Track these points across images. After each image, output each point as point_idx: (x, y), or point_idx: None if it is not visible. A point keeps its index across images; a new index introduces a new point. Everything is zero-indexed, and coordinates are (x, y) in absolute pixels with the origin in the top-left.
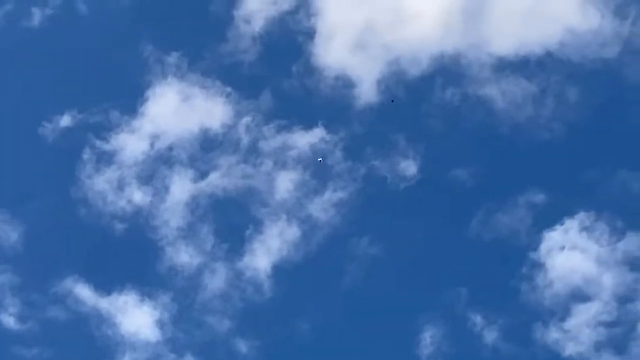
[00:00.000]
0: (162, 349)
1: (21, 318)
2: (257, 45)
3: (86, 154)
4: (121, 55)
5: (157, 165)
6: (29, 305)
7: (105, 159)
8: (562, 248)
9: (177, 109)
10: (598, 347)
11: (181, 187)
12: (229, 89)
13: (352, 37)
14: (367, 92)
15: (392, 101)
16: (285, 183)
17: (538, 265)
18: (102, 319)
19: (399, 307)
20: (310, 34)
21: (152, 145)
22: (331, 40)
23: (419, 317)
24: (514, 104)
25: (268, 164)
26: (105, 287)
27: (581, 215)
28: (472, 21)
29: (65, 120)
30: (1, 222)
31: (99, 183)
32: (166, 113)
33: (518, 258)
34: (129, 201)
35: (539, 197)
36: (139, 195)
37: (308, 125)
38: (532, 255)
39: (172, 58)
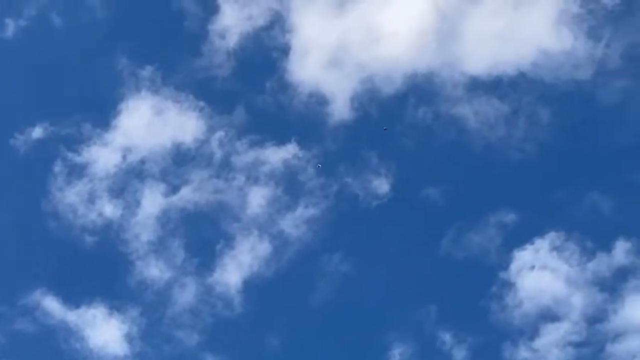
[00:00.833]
0: None
1: None
2: (231, 60)
3: (57, 166)
4: (95, 67)
5: (129, 178)
6: None
7: (77, 171)
8: (532, 268)
9: (150, 122)
10: None
11: (152, 201)
12: (202, 104)
13: (326, 54)
14: (340, 109)
15: (385, 129)
16: (257, 198)
17: (508, 285)
18: (70, 332)
19: (368, 324)
20: (285, 51)
21: (124, 158)
22: (305, 57)
23: (389, 335)
24: (486, 124)
25: (240, 179)
26: (73, 300)
27: (551, 235)
28: (446, 41)
29: (37, 132)
30: None
31: (70, 196)
32: (139, 126)
33: (488, 277)
34: (100, 214)
35: (510, 217)
36: (109, 209)
37: (281, 141)
38: (502, 274)
39: (146, 72)
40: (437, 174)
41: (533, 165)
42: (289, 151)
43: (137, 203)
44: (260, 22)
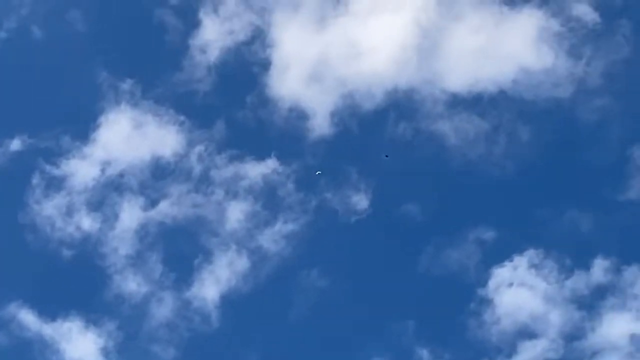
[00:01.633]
0: None
1: None
2: (211, 74)
3: (35, 179)
4: (74, 80)
5: (107, 192)
6: None
7: (55, 184)
8: (511, 285)
9: (129, 136)
10: None
11: (131, 215)
12: (182, 118)
13: (307, 69)
14: (320, 124)
15: (386, 156)
16: (236, 213)
17: (486, 301)
18: (46, 345)
19: (346, 339)
20: (265, 65)
21: (102, 171)
22: (286, 72)
23: (366, 350)
24: (466, 141)
25: (219, 194)
26: (49, 313)
27: (530, 253)
28: (427, 57)
29: (16, 144)
30: None
31: (48, 208)
32: (118, 140)
33: (466, 293)
34: (78, 227)
35: (489, 234)
36: (87, 222)
37: (261, 156)
38: (481, 291)
39: (126, 85)
40: (416, 190)
41: (512, 182)
42: (268, 166)
43: (116, 216)
44: (241, 36)
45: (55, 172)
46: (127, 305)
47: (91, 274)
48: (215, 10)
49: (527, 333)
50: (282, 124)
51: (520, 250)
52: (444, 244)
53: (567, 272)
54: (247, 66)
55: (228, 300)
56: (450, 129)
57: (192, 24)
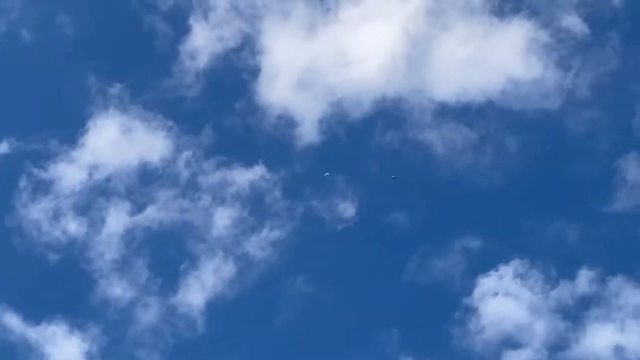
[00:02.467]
0: None
1: None
2: (200, 80)
3: (23, 182)
4: (63, 84)
5: (94, 196)
6: None
7: (42, 188)
8: (496, 294)
9: (117, 140)
10: None
11: (117, 220)
12: (170, 123)
13: (295, 76)
14: (308, 132)
15: (394, 177)
16: (222, 219)
17: (471, 311)
18: (30, 349)
19: (331, 347)
20: (255, 72)
21: (90, 176)
22: (275, 79)
23: (351, 357)
24: (453, 150)
25: (206, 200)
26: (34, 316)
27: (516, 262)
28: (415, 66)
29: (3, 147)
30: None
31: (35, 212)
32: (106, 144)
33: (451, 302)
34: (64, 231)
35: (475, 243)
36: (74, 226)
37: (248, 163)
38: (466, 300)
39: (115, 89)
40: (403, 199)
41: (499, 192)
42: (256, 173)
43: (102, 221)
44: (231, 43)
45: (43, 175)
46: (112, 310)
47: (77, 278)
48: (206, 17)
49: (511, 343)
50: (271, 131)
51: (506, 260)
52: (430, 252)
53: (552, 282)
54: (236, 73)
55: (214, 306)
56: (438, 139)
57: (182, 30)
